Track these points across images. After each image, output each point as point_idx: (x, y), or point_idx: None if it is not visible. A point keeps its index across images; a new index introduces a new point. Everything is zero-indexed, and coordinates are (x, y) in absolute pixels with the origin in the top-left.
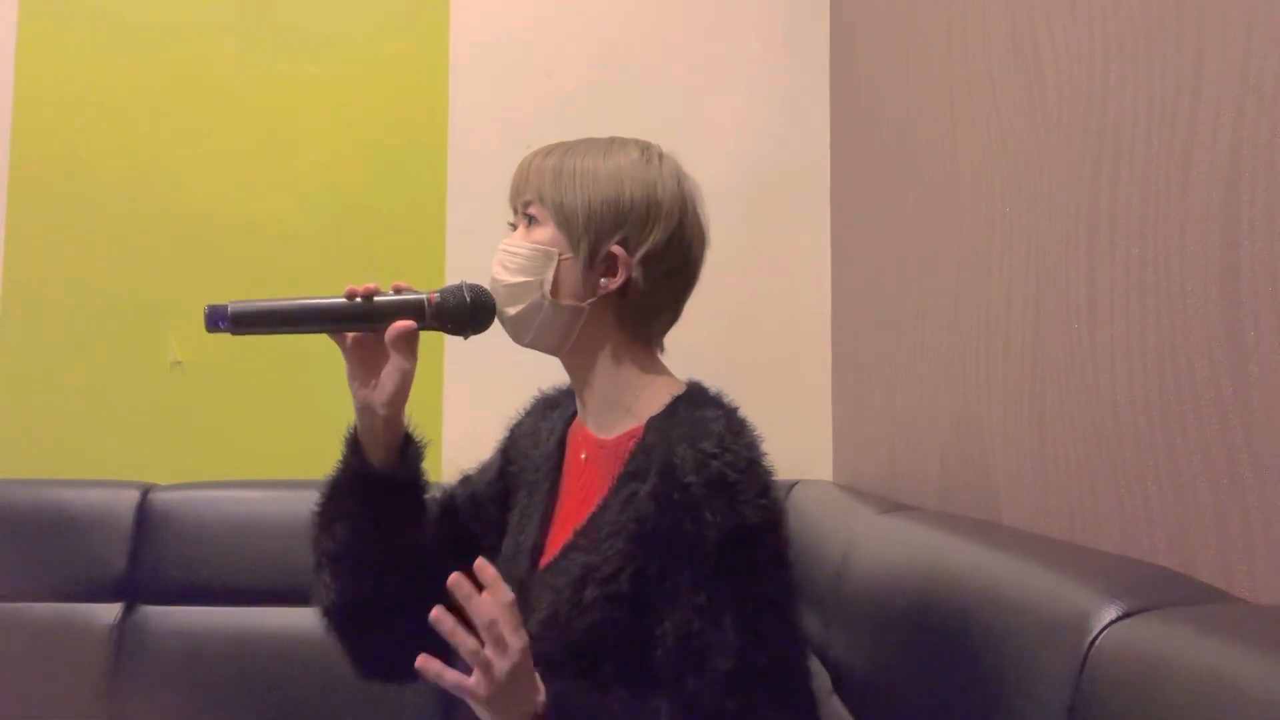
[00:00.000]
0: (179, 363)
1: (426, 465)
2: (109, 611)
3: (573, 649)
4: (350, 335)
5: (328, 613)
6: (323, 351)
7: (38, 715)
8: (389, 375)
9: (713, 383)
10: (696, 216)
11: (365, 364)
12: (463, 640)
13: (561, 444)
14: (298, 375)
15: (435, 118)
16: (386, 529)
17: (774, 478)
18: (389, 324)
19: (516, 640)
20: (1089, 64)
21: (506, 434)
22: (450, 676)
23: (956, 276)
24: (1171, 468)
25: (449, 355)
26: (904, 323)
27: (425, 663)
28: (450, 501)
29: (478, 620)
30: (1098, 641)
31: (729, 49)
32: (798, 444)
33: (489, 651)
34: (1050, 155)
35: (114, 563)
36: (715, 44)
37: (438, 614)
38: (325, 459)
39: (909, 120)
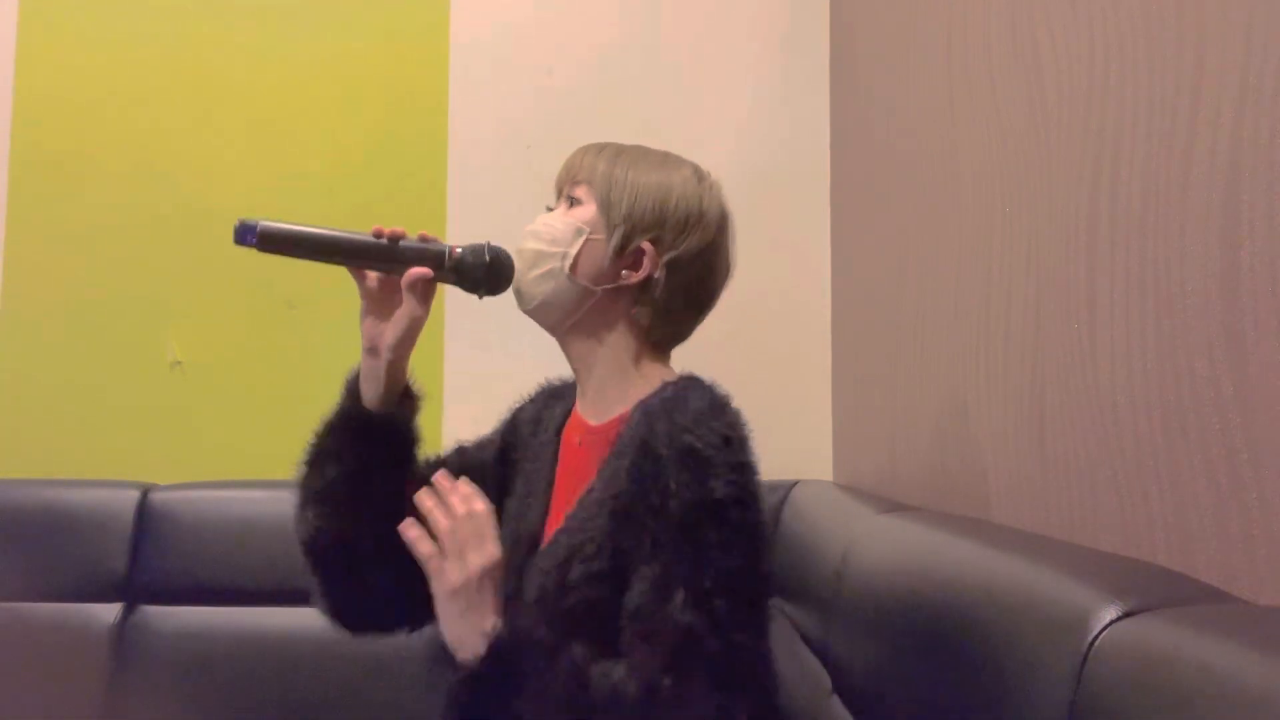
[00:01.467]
0: (179, 363)
1: (427, 453)
2: (109, 611)
3: (559, 627)
4: (370, 275)
5: (307, 545)
6: (323, 352)
7: (38, 715)
8: (400, 319)
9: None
10: (728, 245)
11: (380, 305)
12: (422, 548)
13: (559, 434)
14: (297, 376)
15: (435, 116)
16: (375, 472)
17: (753, 459)
18: (408, 268)
19: (478, 556)
20: (1089, 64)
21: (508, 416)
22: (425, 547)
23: (956, 276)
24: (1171, 468)
25: (449, 356)
26: (904, 323)
27: (406, 527)
28: (441, 467)
29: (437, 528)
30: (1098, 641)
31: (729, 49)
32: (798, 444)
33: (448, 562)
34: (1050, 155)
35: (114, 563)
36: (715, 44)
37: (406, 526)
38: None
39: (909, 120)
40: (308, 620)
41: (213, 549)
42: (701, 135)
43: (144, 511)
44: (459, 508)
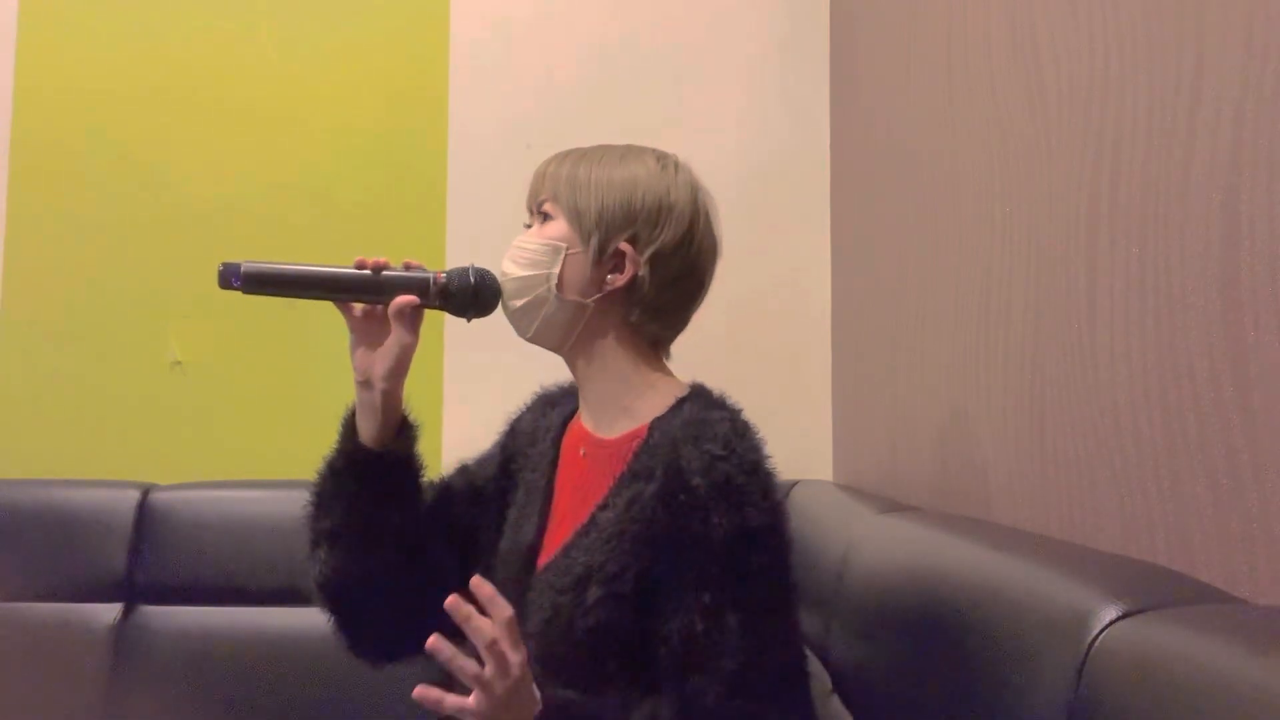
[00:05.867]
0: (179, 363)
1: (427, 460)
2: (109, 611)
3: (575, 648)
4: (357, 306)
5: (322, 587)
6: (322, 351)
7: (38, 715)
8: (389, 349)
9: (713, 382)
10: (709, 227)
11: (369, 337)
12: (463, 666)
13: (558, 443)
14: (297, 376)
15: (435, 115)
16: (382, 507)
17: (775, 478)
18: (394, 298)
19: (516, 656)
20: (1089, 64)
21: (506, 429)
22: (450, 702)
23: (956, 276)
24: (1171, 468)
25: (449, 354)
26: (904, 323)
27: (424, 693)
28: (447, 489)
29: (478, 641)
30: (1098, 641)
31: (729, 49)
32: (798, 444)
33: (489, 671)
34: (1050, 155)
35: (114, 563)
36: (715, 44)
37: (435, 642)
38: None
39: (909, 120)
40: (308, 620)
41: (213, 549)
42: (702, 136)
43: (144, 511)
44: (503, 614)
